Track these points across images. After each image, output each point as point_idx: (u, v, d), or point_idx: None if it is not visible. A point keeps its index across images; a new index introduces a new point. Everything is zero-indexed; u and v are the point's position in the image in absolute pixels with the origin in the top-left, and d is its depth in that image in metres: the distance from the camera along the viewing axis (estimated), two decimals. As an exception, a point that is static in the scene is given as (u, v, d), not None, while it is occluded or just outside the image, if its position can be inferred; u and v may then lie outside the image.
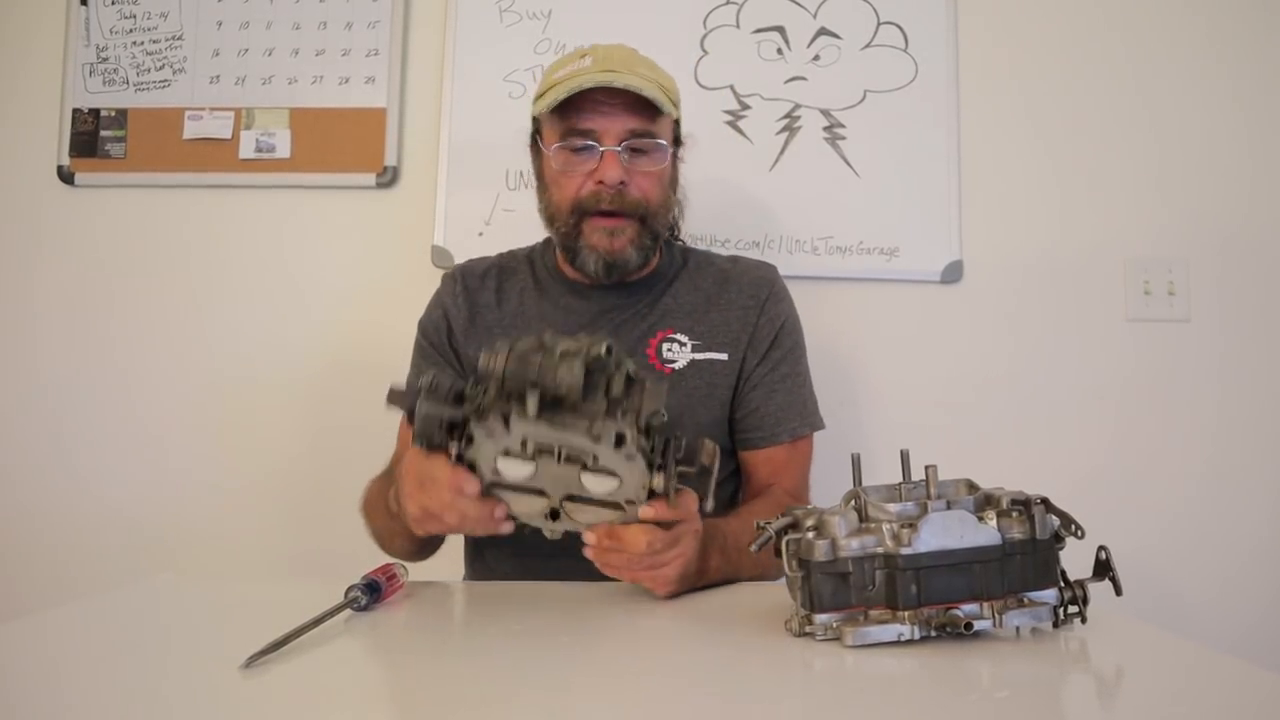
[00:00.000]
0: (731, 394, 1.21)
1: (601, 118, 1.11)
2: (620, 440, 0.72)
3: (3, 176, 1.77)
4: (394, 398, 0.81)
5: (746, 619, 0.79)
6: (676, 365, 1.20)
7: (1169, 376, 1.71)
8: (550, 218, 1.19)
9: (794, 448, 1.21)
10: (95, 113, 1.75)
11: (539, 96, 1.16)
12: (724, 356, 1.21)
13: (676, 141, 1.22)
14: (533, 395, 0.71)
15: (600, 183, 1.12)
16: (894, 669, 0.67)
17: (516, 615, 0.84)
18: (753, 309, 1.23)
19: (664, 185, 1.18)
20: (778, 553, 0.75)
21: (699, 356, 1.20)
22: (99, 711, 0.60)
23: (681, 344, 1.21)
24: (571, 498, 0.78)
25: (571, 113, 1.12)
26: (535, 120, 1.20)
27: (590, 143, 1.12)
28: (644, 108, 1.12)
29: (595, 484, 0.75)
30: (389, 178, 1.73)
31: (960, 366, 1.71)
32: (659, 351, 1.20)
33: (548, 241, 1.29)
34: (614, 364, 0.75)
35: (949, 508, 0.72)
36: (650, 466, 0.76)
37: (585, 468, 0.75)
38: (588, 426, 0.72)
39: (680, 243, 1.36)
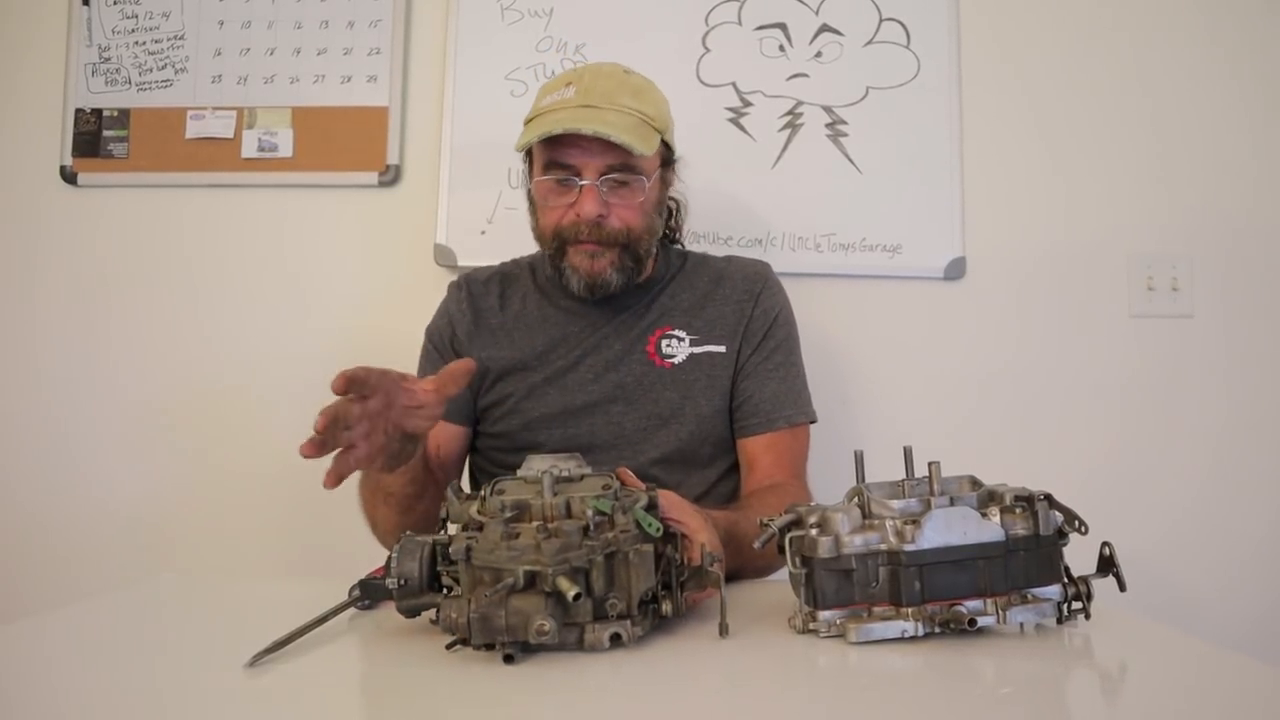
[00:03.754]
0: (731, 384, 1.23)
1: (581, 153, 1.13)
2: (617, 639, 0.70)
3: (5, 177, 1.77)
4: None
5: (750, 616, 0.79)
6: (676, 360, 1.22)
7: (1172, 372, 1.71)
8: (539, 239, 1.23)
9: (792, 435, 1.23)
10: (97, 113, 1.75)
11: (526, 122, 1.18)
12: (722, 349, 1.23)
13: (666, 163, 1.23)
14: (505, 648, 0.67)
15: (579, 215, 1.14)
16: (898, 666, 0.67)
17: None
18: (747, 301, 1.26)
19: (646, 213, 1.19)
20: (781, 550, 0.75)
21: (697, 350, 1.23)
22: (103, 712, 0.60)
23: (680, 339, 1.23)
24: None
25: (553, 145, 1.14)
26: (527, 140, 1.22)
27: (570, 177, 1.14)
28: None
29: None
30: (391, 176, 1.73)
31: (963, 363, 1.71)
32: (658, 347, 1.23)
33: None
34: (593, 551, 0.68)
35: (952, 504, 0.72)
36: (655, 610, 0.74)
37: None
38: (578, 636, 0.69)
39: (679, 245, 1.38)
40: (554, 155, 1.14)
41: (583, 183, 1.13)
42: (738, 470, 1.26)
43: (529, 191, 1.24)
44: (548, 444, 1.19)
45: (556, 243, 1.18)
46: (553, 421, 1.21)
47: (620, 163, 1.14)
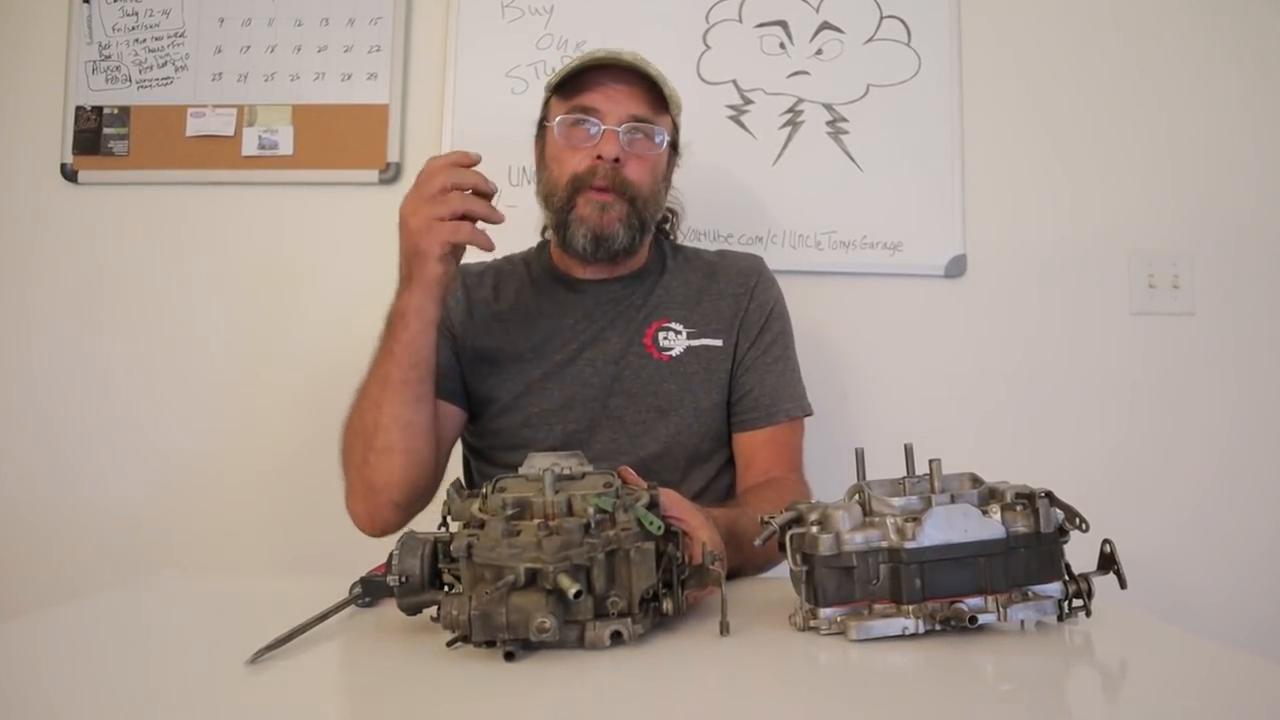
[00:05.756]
0: (728, 378, 1.24)
1: (606, 99, 1.16)
2: (618, 636, 0.70)
3: (6, 174, 1.77)
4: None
5: (750, 614, 0.79)
6: (674, 352, 1.23)
7: (1173, 370, 1.71)
8: (547, 195, 1.22)
9: (790, 429, 1.23)
10: (98, 110, 1.75)
11: (550, 86, 1.22)
12: (719, 342, 1.24)
13: (674, 147, 1.26)
14: (505, 646, 0.67)
15: (598, 158, 1.16)
16: (898, 663, 0.67)
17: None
18: (743, 295, 1.26)
19: (655, 175, 1.21)
20: (781, 547, 0.75)
21: (694, 343, 1.23)
22: (104, 709, 0.60)
23: (677, 332, 1.24)
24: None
25: (579, 93, 1.17)
26: (545, 106, 1.25)
27: (593, 120, 1.16)
28: (647, 99, 1.17)
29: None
30: (392, 174, 1.73)
31: (963, 361, 1.71)
32: (655, 340, 1.23)
33: (543, 244, 1.34)
34: (594, 549, 0.68)
35: (953, 502, 0.72)
36: (656, 608, 0.73)
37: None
38: (579, 634, 0.69)
39: (670, 240, 1.39)
40: (578, 100, 1.17)
41: (605, 127, 1.16)
42: (733, 465, 1.26)
43: (540, 150, 1.25)
44: (548, 439, 1.19)
45: (569, 191, 1.18)
46: (553, 416, 1.20)
47: (642, 114, 1.17)
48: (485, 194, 1.04)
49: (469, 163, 1.04)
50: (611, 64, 1.16)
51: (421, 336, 1.07)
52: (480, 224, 1.05)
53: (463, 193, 1.03)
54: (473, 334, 1.25)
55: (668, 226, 1.38)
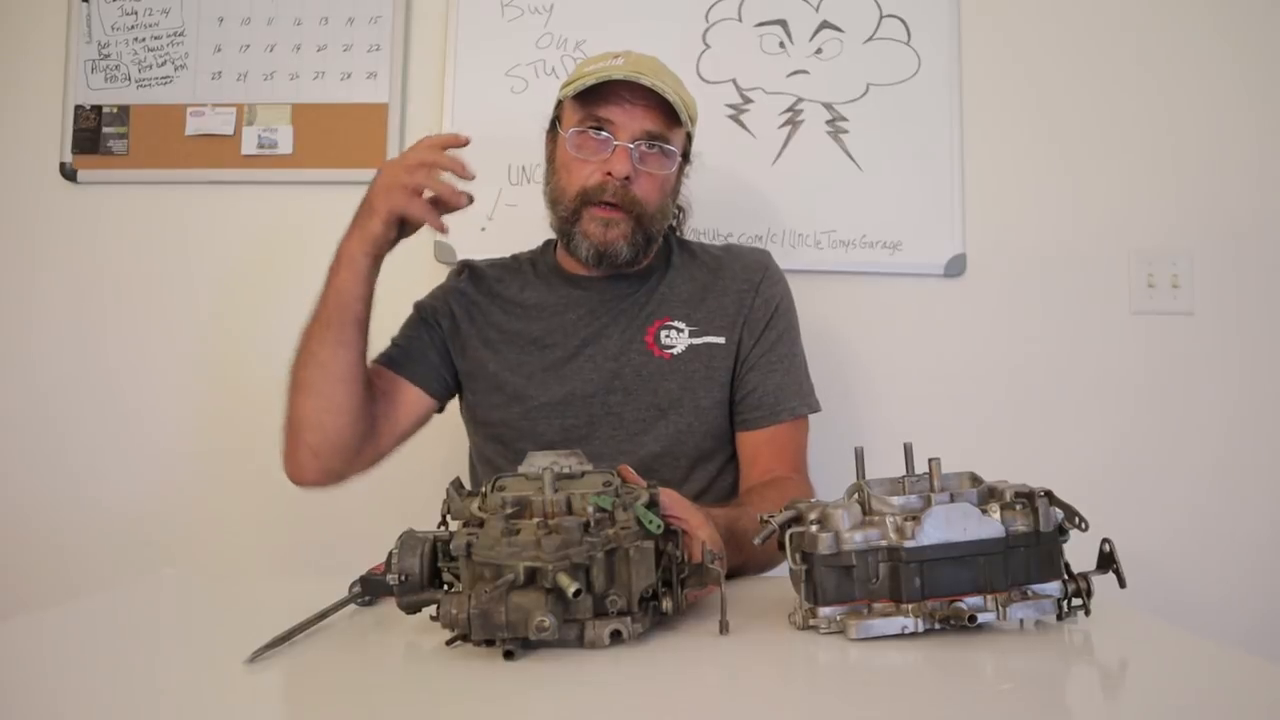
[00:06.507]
0: (731, 376, 1.23)
1: (622, 112, 1.16)
2: (617, 635, 0.70)
3: (5, 173, 1.77)
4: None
5: (750, 613, 0.79)
6: (675, 351, 1.23)
7: (1172, 370, 1.71)
8: (554, 201, 1.22)
9: (794, 427, 1.23)
10: (97, 109, 1.75)
11: (569, 83, 1.20)
12: (721, 340, 1.23)
13: (685, 157, 1.26)
14: (505, 644, 0.67)
15: (608, 174, 1.16)
16: (898, 662, 0.67)
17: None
18: (748, 292, 1.26)
19: (664, 192, 1.21)
20: (781, 546, 0.75)
21: (696, 341, 1.23)
22: (104, 707, 0.60)
23: (679, 330, 1.24)
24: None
25: (595, 102, 1.16)
26: (558, 106, 1.24)
27: (606, 134, 1.16)
28: (662, 114, 1.16)
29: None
30: (391, 173, 1.72)
31: (963, 360, 1.71)
32: (657, 338, 1.23)
33: (548, 243, 1.34)
34: (594, 548, 0.68)
35: (952, 501, 0.72)
36: (656, 607, 0.73)
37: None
38: (578, 633, 0.69)
39: (677, 235, 1.39)
40: (594, 110, 1.16)
41: (618, 142, 1.16)
42: (736, 463, 1.26)
43: (549, 154, 1.25)
44: (547, 433, 1.20)
45: (577, 204, 1.18)
46: (552, 410, 1.21)
47: (657, 131, 1.17)
48: (464, 179, 1.08)
49: (458, 144, 1.10)
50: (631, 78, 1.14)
51: (349, 284, 1.11)
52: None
53: (435, 173, 1.06)
54: (476, 326, 1.27)
55: (675, 223, 1.38)
